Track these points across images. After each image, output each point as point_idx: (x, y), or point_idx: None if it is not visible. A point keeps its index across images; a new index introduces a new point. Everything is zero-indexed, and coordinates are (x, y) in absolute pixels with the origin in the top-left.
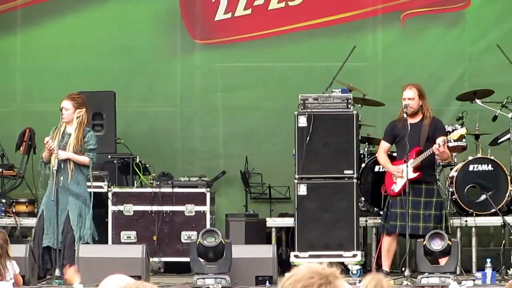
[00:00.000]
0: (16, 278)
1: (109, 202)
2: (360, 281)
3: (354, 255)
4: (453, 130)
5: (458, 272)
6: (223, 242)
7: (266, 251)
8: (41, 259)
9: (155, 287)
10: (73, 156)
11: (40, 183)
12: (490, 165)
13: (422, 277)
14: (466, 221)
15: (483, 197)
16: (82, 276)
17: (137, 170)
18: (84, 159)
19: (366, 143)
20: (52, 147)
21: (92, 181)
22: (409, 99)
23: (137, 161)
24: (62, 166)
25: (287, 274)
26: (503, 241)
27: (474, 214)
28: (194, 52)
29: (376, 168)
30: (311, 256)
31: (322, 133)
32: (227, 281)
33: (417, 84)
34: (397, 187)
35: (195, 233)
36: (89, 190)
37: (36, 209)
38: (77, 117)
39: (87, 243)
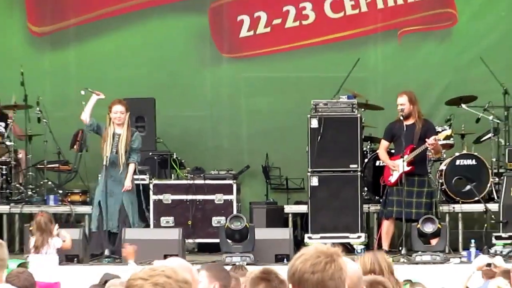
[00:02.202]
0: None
1: (151, 192)
2: None
3: (359, 237)
4: (442, 131)
5: (447, 251)
6: (248, 226)
7: (284, 233)
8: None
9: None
10: (130, 176)
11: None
12: (474, 160)
13: (416, 255)
14: (453, 207)
15: (468, 187)
16: None
17: (174, 165)
18: (132, 169)
19: (369, 142)
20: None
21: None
22: (401, 104)
23: (174, 157)
24: (114, 161)
25: (297, 254)
26: (485, 225)
27: (460, 202)
28: (221, 64)
29: (377, 163)
30: (322, 238)
31: (331, 133)
32: (251, 259)
33: (409, 92)
34: (393, 178)
35: (223, 218)
36: (136, 182)
37: (88, 199)
38: (127, 120)
39: (137, 225)
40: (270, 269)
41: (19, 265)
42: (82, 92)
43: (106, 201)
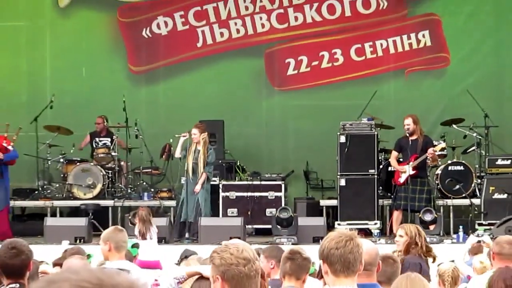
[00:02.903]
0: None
1: (220, 190)
2: (379, 240)
3: (375, 223)
4: (438, 144)
5: (441, 234)
6: (292, 215)
7: (319, 221)
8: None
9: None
10: (201, 183)
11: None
12: (462, 166)
13: None
14: (446, 202)
15: (457, 187)
16: (203, 238)
17: (238, 170)
18: (203, 177)
19: (383, 153)
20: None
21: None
22: (407, 124)
23: (238, 164)
24: (193, 169)
25: (325, 237)
26: (470, 215)
27: (451, 198)
28: (273, 95)
29: (389, 168)
30: (348, 224)
31: (355, 146)
32: (295, 240)
33: (413, 114)
34: (402, 179)
35: (274, 209)
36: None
37: (173, 195)
38: (202, 139)
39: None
40: (295, 250)
41: (132, 245)
42: (171, 140)
43: (187, 198)
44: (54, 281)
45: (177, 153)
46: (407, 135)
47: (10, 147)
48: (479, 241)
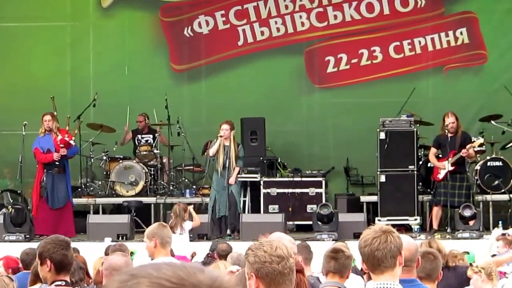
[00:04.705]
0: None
1: (261, 187)
2: (419, 236)
3: (416, 219)
4: (476, 140)
5: (481, 230)
6: (333, 212)
7: (360, 217)
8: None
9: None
10: (235, 175)
11: (207, 168)
12: (500, 162)
13: (458, 233)
14: (485, 197)
15: (496, 182)
16: (244, 234)
17: (279, 167)
18: (237, 171)
19: (422, 149)
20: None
21: (247, 173)
22: (452, 122)
23: (279, 161)
24: (227, 165)
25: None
26: (509, 210)
27: (490, 193)
28: (314, 92)
29: (429, 164)
30: (388, 220)
31: (394, 143)
32: (336, 236)
33: (454, 112)
34: (441, 175)
35: (315, 206)
36: (247, 180)
37: None
38: (233, 135)
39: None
40: (338, 248)
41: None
42: (216, 142)
43: (219, 194)
44: (135, 276)
45: (211, 152)
46: (447, 132)
47: (72, 142)
48: (503, 234)
